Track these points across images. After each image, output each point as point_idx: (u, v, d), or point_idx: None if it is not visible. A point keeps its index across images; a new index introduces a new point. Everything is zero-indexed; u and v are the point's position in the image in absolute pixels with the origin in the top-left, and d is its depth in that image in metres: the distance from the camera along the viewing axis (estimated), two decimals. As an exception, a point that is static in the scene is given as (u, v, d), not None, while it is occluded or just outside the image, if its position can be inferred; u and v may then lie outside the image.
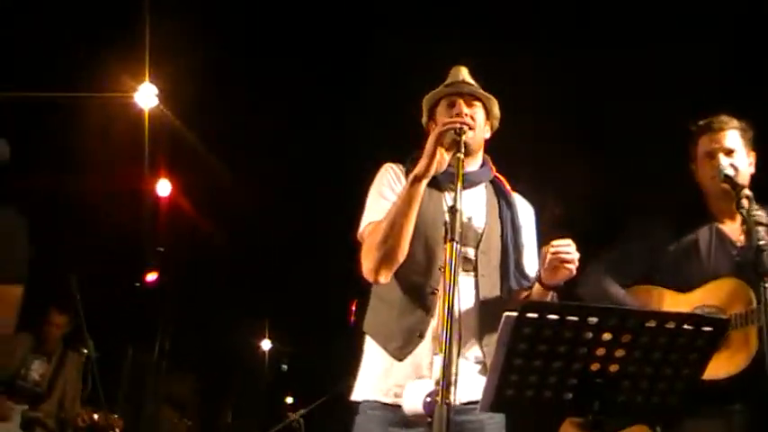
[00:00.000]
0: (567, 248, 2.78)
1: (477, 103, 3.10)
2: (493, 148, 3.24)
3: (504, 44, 6.09)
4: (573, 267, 2.79)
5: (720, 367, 3.00)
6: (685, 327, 2.21)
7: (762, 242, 2.90)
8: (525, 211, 3.18)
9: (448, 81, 3.18)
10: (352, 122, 7.61)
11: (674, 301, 3.26)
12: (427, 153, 2.81)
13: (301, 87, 7.42)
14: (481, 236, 3.00)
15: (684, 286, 3.30)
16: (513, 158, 3.38)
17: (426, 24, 6.51)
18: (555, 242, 2.81)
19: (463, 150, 2.72)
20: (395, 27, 6.67)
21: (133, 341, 8.54)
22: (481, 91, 3.11)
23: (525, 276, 3.02)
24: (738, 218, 3.34)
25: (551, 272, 2.81)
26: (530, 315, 2.12)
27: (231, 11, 6.79)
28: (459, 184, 2.55)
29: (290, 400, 13.56)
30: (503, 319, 2.15)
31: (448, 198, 2.99)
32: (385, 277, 2.88)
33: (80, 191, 7.47)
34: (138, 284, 8.85)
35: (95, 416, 5.99)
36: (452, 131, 2.78)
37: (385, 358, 2.91)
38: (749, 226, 2.97)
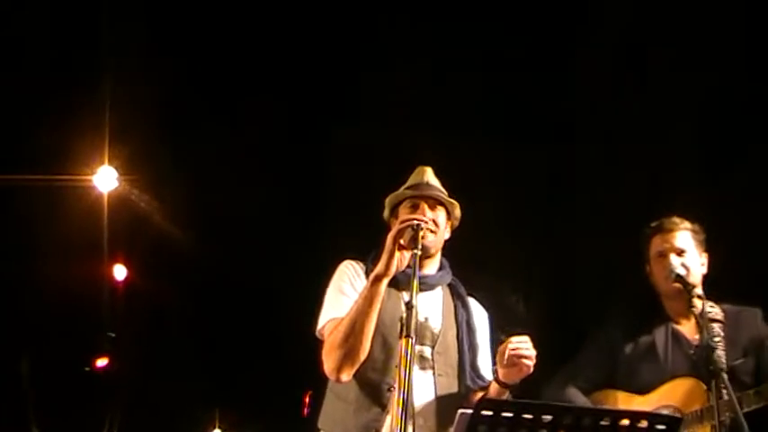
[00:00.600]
0: (525, 345, 2.81)
1: (440, 207, 3.14)
2: (452, 248, 3.29)
3: (466, 140, 6.19)
4: (531, 363, 2.81)
5: None
6: (639, 425, 2.22)
7: (715, 339, 2.94)
8: (479, 315, 3.22)
9: (411, 182, 3.23)
10: (313, 218, 7.64)
11: (632, 404, 3.27)
12: (387, 251, 2.85)
13: (263, 177, 7.45)
14: (438, 336, 3.02)
15: (644, 388, 3.32)
16: (470, 259, 3.42)
17: (388, 118, 6.61)
18: (514, 338, 2.84)
19: (420, 247, 2.76)
20: (356, 120, 6.76)
21: (80, 428, 8.30)
22: (444, 196, 3.16)
23: (480, 376, 3.03)
24: (692, 317, 3.41)
25: (509, 369, 2.83)
26: (484, 412, 2.11)
27: (191, 90, 6.83)
28: (415, 281, 2.58)
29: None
30: (457, 417, 2.14)
31: (405, 297, 2.97)
32: (347, 375, 2.87)
33: (36, 273, 7.36)
34: (87, 369, 8.66)
35: None
36: (410, 228, 2.82)
37: None
38: (702, 324, 3.01)
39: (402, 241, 2.84)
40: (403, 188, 3.21)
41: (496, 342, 3.05)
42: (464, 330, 3.08)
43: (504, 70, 6.20)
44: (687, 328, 3.43)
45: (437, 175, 3.29)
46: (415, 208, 3.10)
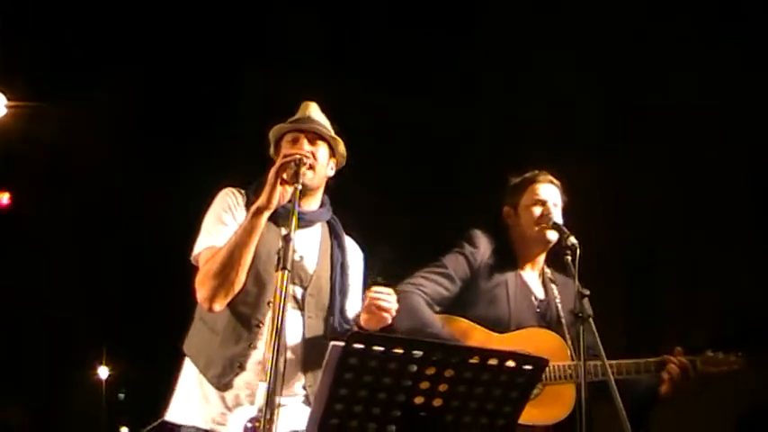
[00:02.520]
0: (386, 297, 2.83)
1: (321, 142, 3.11)
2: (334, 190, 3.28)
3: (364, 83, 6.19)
4: (389, 316, 2.83)
5: (538, 413, 3.11)
6: (507, 364, 2.27)
7: (583, 290, 3.02)
8: (355, 255, 3.23)
9: (295, 117, 3.19)
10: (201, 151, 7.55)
11: (488, 341, 3.34)
12: (269, 184, 2.83)
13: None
14: (311, 277, 3.03)
15: (492, 325, 3.40)
16: (349, 202, 3.42)
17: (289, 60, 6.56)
18: (375, 288, 2.86)
19: (301, 181, 2.75)
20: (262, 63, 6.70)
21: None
22: (324, 130, 3.13)
23: (347, 320, 3.05)
24: (536, 269, 3.58)
25: (370, 317, 2.86)
26: (356, 345, 2.12)
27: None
28: (294, 216, 2.57)
29: (124, 430, 13.06)
30: (329, 349, 2.14)
31: (284, 232, 2.89)
32: (220, 305, 2.86)
33: None
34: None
35: None
36: (293, 163, 2.80)
37: (204, 385, 2.90)
38: (573, 273, 3.09)
39: (284, 176, 2.82)
40: (287, 121, 3.17)
41: (367, 285, 3.07)
42: (338, 273, 3.08)
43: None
44: (531, 280, 3.56)
45: (324, 111, 3.24)
46: (294, 142, 3.08)
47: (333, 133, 3.15)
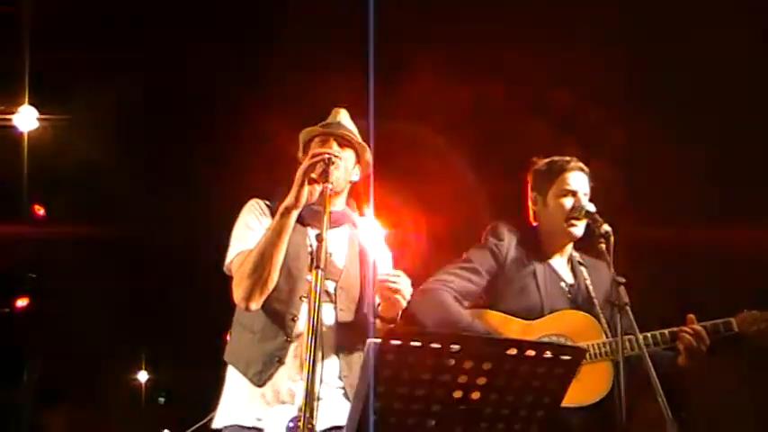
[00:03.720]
0: (395, 279, 2.85)
1: (349, 147, 3.18)
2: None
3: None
4: (402, 299, 2.84)
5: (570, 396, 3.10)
6: (545, 355, 2.26)
7: (618, 278, 3.00)
8: (383, 254, 3.23)
9: (326, 121, 3.26)
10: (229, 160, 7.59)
11: (520, 329, 3.32)
12: (297, 184, 2.88)
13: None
14: (341, 272, 3.08)
15: (525, 315, 3.36)
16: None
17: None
18: (383, 272, 2.90)
19: (331, 180, 2.80)
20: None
21: (0, 371, 8.18)
22: (353, 136, 3.20)
23: (377, 312, 3.08)
24: (565, 255, 3.54)
25: (385, 303, 2.91)
26: (393, 342, 2.13)
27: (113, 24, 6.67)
28: (327, 212, 2.60)
29: (166, 433, 13.19)
30: (367, 346, 2.15)
31: (311, 233, 3.07)
32: (256, 304, 2.92)
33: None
34: (7, 310, 8.50)
35: None
36: (322, 162, 2.85)
37: (245, 385, 2.95)
38: (608, 260, 3.07)
39: (313, 174, 2.87)
40: (317, 126, 3.25)
41: None
42: (367, 269, 3.12)
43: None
44: (560, 264, 3.52)
45: (353, 118, 3.31)
46: (323, 143, 3.14)
47: (360, 140, 3.22)
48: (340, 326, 2.99)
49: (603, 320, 3.33)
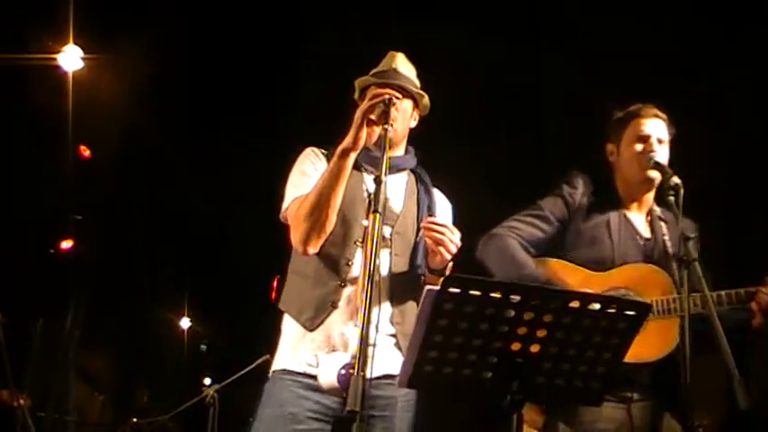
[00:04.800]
0: (440, 228, 2.83)
1: (407, 98, 3.16)
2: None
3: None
4: (445, 252, 2.82)
5: (631, 351, 3.04)
6: (608, 310, 2.22)
7: (688, 233, 2.94)
8: (443, 204, 3.27)
9: (380, 68, 3.23)
10: (283, 110, 7.59)
11: (584, 279, 3.26)
12: (355, 125, 2.84)
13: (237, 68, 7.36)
14: (398, 217, 3.07)
15: (594, 266, 3.30)
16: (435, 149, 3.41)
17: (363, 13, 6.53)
18: (429, 220, 2.89)
19: (391, 122, 2.76)
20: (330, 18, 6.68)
21: (44, 311, 8.31)
22: (410, 86, 3.16)
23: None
24: (644, 209, 3.45)
25: (431, 256, 2.90)
26: (451, 290, 2.10)
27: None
28: (387, 154, 2.56)
29: (207, 381, 13.39)
30: (424, 294, 2.13)
31: (367, 179, 3.07)
32: (314, 247, 2.93)
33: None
34: (52, 251, 8.64)
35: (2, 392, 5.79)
36: (381, 103, 2.81)
37: (297, 330, 2.97)
38: (676, 213, 3.01)
39: (372, 116, 2.83)
40: (371, 73, 3.21)
41: None
42: (423, 214, 3.11)
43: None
44: (637, 220, 3.43)
45: (410, 60, 3.27)
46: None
47: (419, 87, 3.19)
48: (394, 271, 2.99)
49: (677, 278, 3.24)
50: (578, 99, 5.89)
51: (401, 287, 2.99)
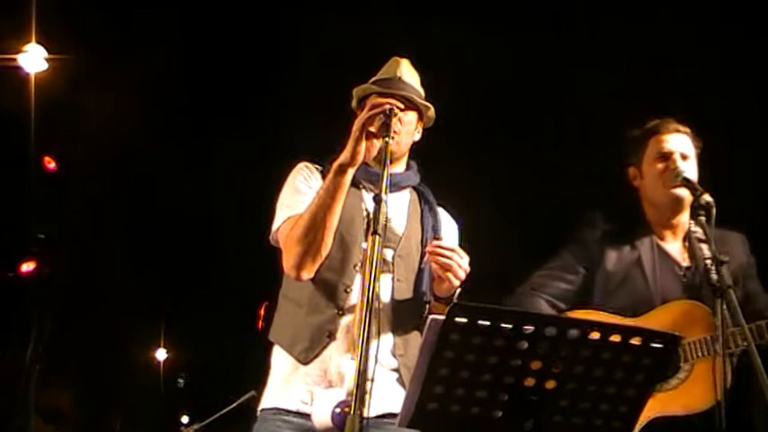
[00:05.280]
0: (447, 252, 2.84)
1: (411, 110, 3.16)
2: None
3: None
4: (453, 279, 2.83)
5: (679, 402, 3.03)
6: (632, 342, 2.23)
7: (722, 257, 2.93)
8: (448, 224, 3.28)
9: (382, 75, 3.24)
10: (271, 117, 7.62)
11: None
12: (353, 138, 2.86)
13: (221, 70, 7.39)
14: (400, 239, 3.09)
15: (629, 310, 3.31)
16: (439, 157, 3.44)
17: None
18: (434, 243, 2.91)
19: (392, 135, 2.79)
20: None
21: (2, 341, 8.31)
22: (416, 98, 3.17)
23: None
24: (679, 234, 3.45)
25: (436, 282, 2.91)
26: (458, 319, 2.11)
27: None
28: (386, 171, 2.58)
29: (185, 420, 13.36)
30: (427, 323, 2.14)
31: (367, 198, 3.08)
32: (308, 273, 2.94)
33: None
34: (11, 275, 8.63)
35: None
36: (382, 114, 2.83)
37: (289, 364, 2.97)
38: (708, 235, 3.01)
39: (372, 128, 2.85)
40: (372, 80, 3.22)
41: None
42: (429, 237, 3.13)
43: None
44: (673, 247, 3.43)
45: (415, 66, 3.28)
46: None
47: (423, 96, 3.21)
48: (396, 297, 3.01)
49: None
50: (595, 108, 5.95)
51: (404, 316, 3.00)
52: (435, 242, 2.94)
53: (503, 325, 2.13)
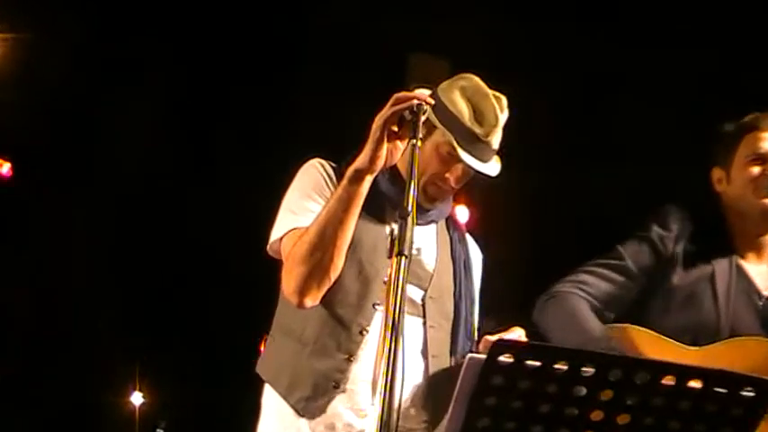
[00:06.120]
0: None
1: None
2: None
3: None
4: None
5: None
6: (717, 389, 2.20)
7: None
8: (475, 255, 3.30)
9: (470, 121, 3.03)
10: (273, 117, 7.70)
11: (680, 359, 3.14)
12: (372, 139, 2.80)
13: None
14: (432, 276, 3.07)
15: (688, 334, 3.24)
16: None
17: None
18: (487, 338, 2.87)
19: (420, 136, 2.67)
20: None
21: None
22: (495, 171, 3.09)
23: (471, 338, 3.10)
24: (766, 256, 3.40)
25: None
26: (503, 359, 2.09)
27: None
28: (414, 182, 2.53)
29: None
30: (465, 363, 2.12)
31: (391, 226, 3.00)
32: (312, 300, 2.91)
33: None
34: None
35: None
36: (407, 111, 2.76)
37: (286, 415, 2.95)
38: None
39: (395, 127, 2.79)
40: (453, 125, 3.02)
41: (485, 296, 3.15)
42: (461, 273, 3.13)
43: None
44: (756, 271, 3.37)
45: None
46: (445, 162, 3.03)
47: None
48: (431, 350, 2.99)
49: None
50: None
51: (439, 373, 2.98)
52: (487, 338, 2.88)
53: (557, 366, 2.11)
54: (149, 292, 9.92)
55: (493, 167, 3.06)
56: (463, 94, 3.05)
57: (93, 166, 8.37)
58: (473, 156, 2.98)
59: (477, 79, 3.09)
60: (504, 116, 3.05)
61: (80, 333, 9.72)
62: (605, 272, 3.36)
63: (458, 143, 2.97)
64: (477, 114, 3.02)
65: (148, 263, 9.37)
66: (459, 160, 2.98)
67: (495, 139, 3.04)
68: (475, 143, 3.00)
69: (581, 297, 3.29)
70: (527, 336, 2.83)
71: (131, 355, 12.01)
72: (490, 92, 3.06)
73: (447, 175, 3.01)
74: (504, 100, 3.08)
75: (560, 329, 3.22)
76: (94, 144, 8.16)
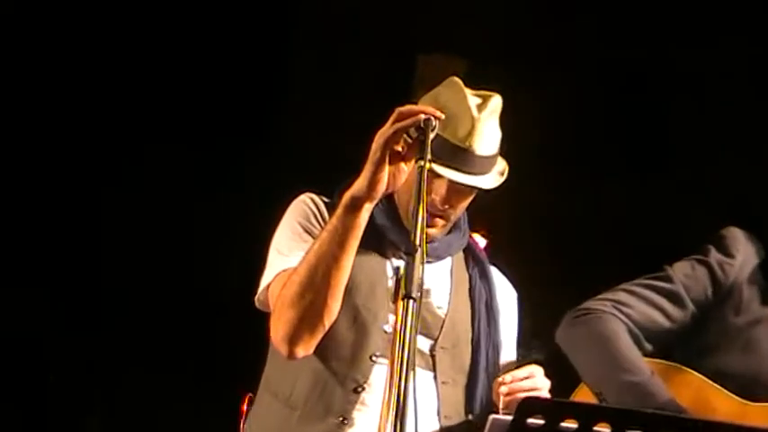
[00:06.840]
0: (525, 382, 2.83)
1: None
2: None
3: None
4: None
5: None
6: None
7: None
8: (506, 293, 3.30)
9: (450, 134, 3.06)
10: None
11: (731, 411, 3.16)
12: (372, 161, 2.79)
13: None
14: (443, 322, 3.08)
15: (750, 389, 3.24)
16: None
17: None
18: (510, 376, 2.88)
19: (428, 157, 2.66)
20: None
21: None
22: (493, 183, 3.12)
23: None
24: None
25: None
26: (532, 421, 2.08)
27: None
28: (423, 207, 2.52)
29: None
30: (488, 425, 2.12)
31: (393, 264, 3.05)
32: (304, 349, 2.91)
33: None
34: None
35: None
36: (412, 128, 2.75)
37: None
38: None
39: (398, 147, 2.77)
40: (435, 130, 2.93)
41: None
42: (482, 316, 3.12)
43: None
44: None
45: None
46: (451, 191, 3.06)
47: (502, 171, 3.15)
48: (442, 410, 3.01)
49: None
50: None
51: (452, 429, 2.97)
52: (510, 376, 2.90)
53: (596, 429, 2.10)
54: (118, 327, 9.97)
55: (486, 180, 3.07)
56: (437, 101, 3.05)
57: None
58: (452, 168, 2.99)
59: (457, 82, 3.12)
60: (486, 116, 3.06)
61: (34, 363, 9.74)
62: (650, 294, 3.34)
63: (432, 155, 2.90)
64: (452, 120, 3.02)
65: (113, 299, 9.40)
66: (435, 174, 2.97)
67: (481, 146, 3.04)
68: (456, 153, 3.01)
69: (618, 319, 3.26)
70: (546, 374, 2.84)
71: (91, 412, 12.00)
72: (469, 92, 3.08)
73: (433, 195, 2.99)
74: (494, 99, 3.10)
75: (587, 352, 3.23)
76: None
